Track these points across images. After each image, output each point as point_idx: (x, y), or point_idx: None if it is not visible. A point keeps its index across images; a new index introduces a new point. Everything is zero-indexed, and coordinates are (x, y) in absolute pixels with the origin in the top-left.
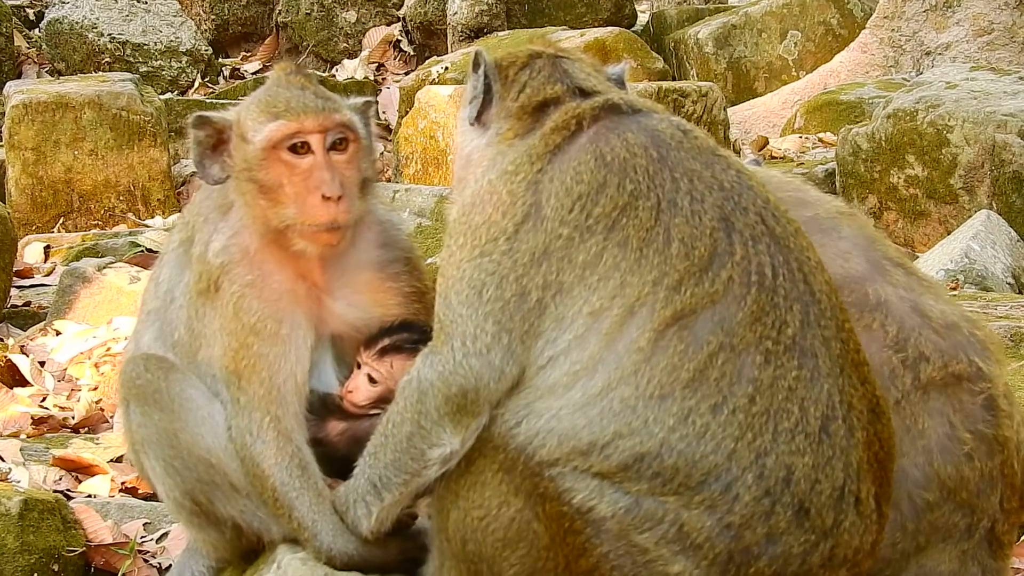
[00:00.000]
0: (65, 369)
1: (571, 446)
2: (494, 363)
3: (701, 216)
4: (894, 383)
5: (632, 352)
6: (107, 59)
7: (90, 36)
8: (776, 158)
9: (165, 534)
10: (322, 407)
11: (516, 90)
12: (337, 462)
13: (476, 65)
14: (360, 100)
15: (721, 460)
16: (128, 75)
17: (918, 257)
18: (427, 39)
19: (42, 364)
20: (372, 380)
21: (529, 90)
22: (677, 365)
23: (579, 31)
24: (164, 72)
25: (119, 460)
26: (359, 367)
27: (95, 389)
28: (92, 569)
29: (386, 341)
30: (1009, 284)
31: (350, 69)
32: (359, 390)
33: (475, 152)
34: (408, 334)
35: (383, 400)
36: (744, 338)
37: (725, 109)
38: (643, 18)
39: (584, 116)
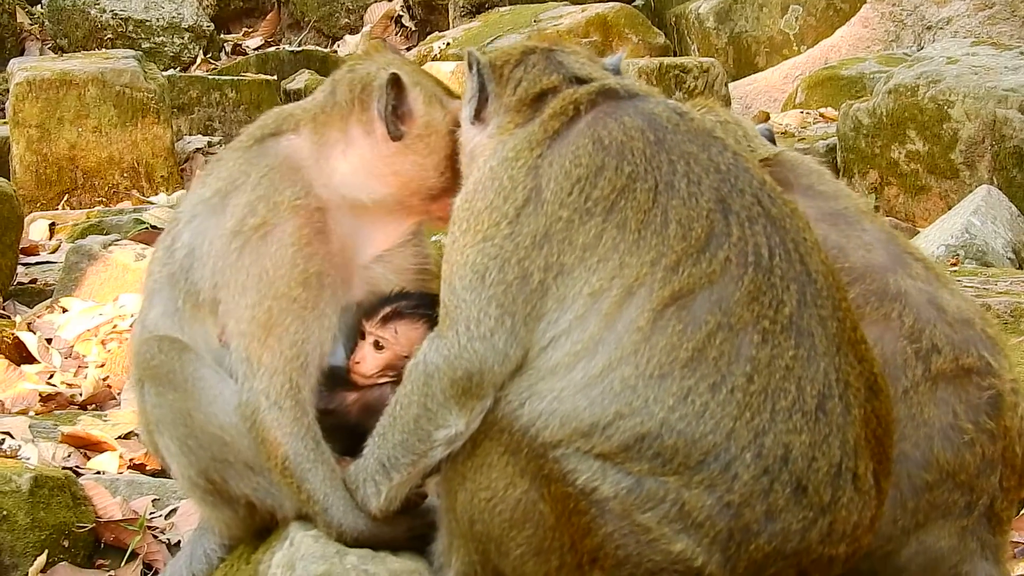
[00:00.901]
0: (72, 346)
1: (573, 427)
2: (498, 346)
3: (698, 198)
4: (905, 373)
5: (631, 332)
6: (109, 36)
7: (92, 13)
8: (777, 133)
9: (174, 510)
10: (330, 380)
11: (512, 86)
12: (346, 432)
13: (470, 65)
14: None
15: (720, 439)
16: (131, 52)
17: (919, 232)
18: (428, 15)
19: (49, 341)
20: (378, 346)
21: (526, 83)
22: (676, 344)
23: (580, 7)
24: (166, 48)
25: (127, 437)
26: (363, 338)
27: (102, 366)
28: (102, 545)
29: (387, 308)
30: (1009, 259)
31: (352, 45)
32: (366, 360)
33: (477, 148)
34: (407, 300)
35: (390, 367)
36: (741, 317)
37: (726, 84)
38: None
39: (581, 102)
